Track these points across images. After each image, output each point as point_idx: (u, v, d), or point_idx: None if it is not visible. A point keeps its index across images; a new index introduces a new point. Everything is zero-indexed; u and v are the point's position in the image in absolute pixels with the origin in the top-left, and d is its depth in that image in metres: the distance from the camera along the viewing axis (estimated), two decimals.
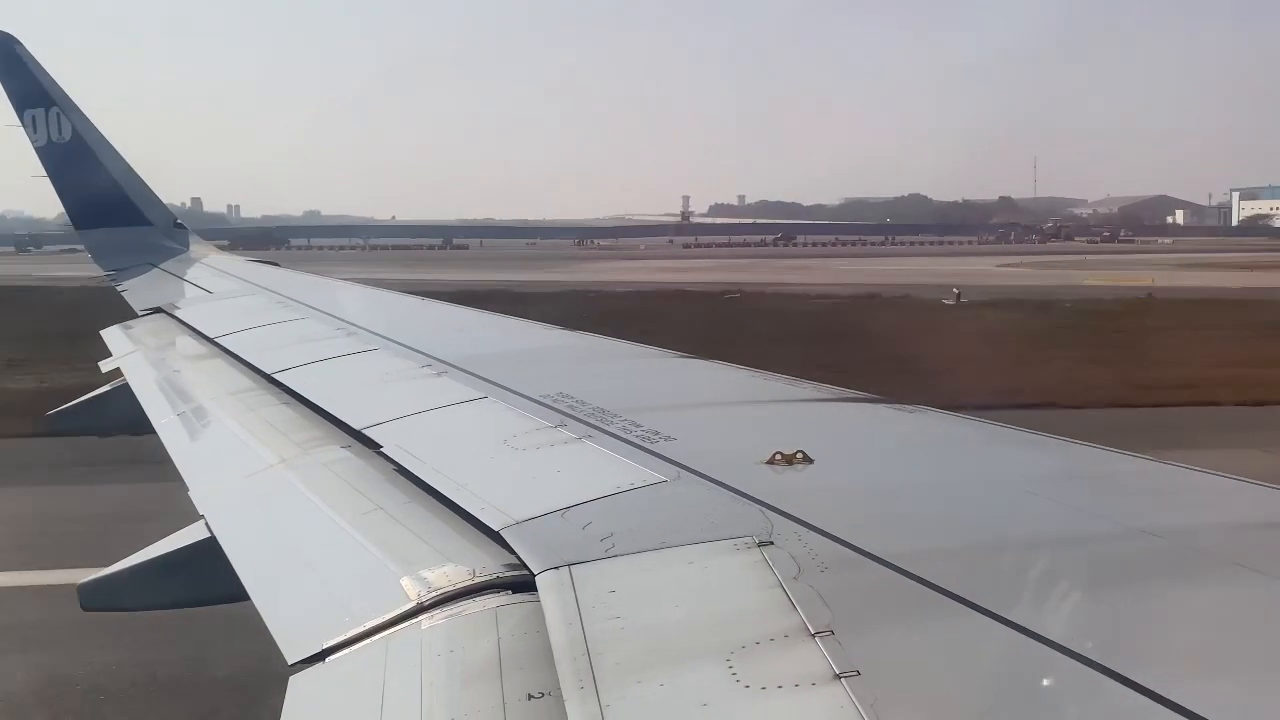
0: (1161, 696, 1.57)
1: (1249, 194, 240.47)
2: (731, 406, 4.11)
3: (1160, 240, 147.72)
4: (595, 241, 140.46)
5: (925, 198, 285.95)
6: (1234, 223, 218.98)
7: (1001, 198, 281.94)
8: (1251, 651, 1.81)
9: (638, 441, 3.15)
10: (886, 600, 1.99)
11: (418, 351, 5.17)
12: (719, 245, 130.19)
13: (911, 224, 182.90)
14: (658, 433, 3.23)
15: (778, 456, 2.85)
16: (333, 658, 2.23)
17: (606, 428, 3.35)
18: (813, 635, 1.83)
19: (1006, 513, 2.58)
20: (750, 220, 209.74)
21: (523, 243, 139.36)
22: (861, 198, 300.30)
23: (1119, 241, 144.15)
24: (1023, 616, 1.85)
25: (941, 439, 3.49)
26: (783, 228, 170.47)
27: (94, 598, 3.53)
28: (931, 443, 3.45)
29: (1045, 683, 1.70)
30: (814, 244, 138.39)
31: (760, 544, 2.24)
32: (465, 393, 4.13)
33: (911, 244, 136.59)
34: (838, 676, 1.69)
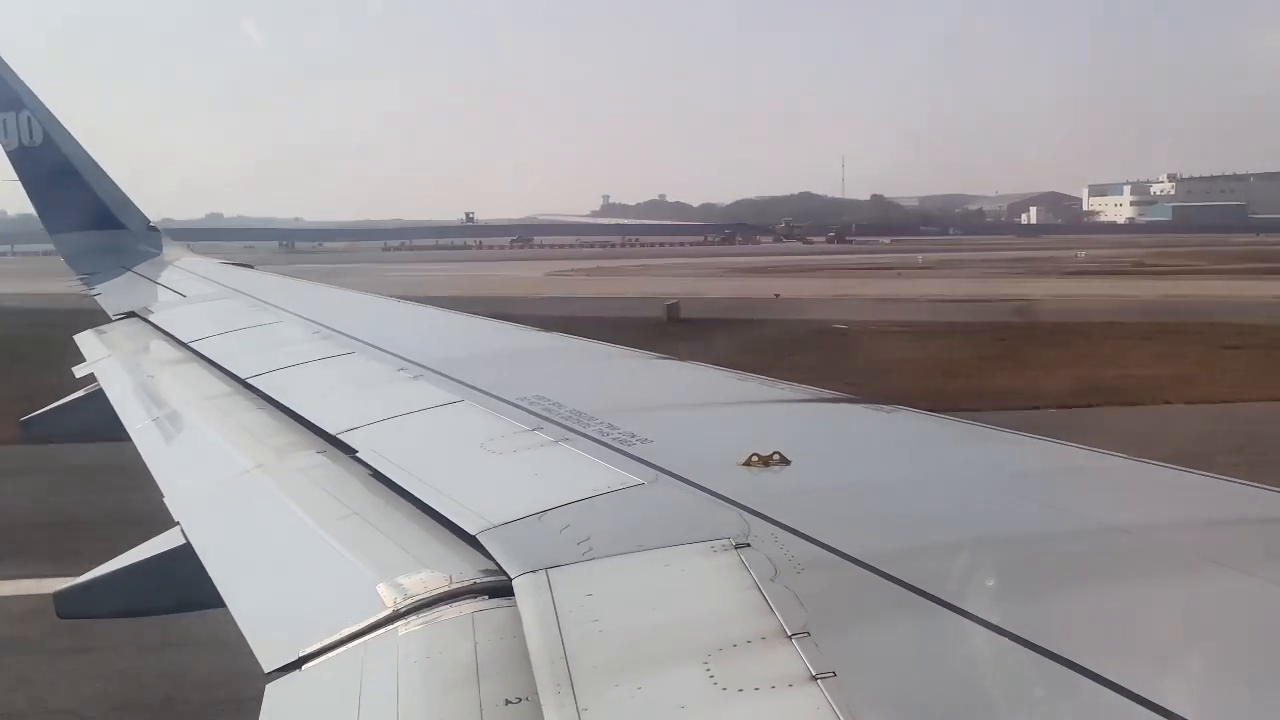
0: (1135, 694, 1.58)
1: (1098, 190, 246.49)
2: (708, 408, 4.11)
3: (881, 241, 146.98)
4: (319, 245, 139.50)
5: (814, 195, 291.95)
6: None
7: (874, 196, 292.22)
8: (1224, 647, 1.83)
9: (615, 444, 3.15)
10: (863, 601, 1.99)
11: (394, 355, 5.15)
12: (428, 248, 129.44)
13: (727, 224, 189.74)
14: (634, 435, 3.23)
15: (754, 458, 2.86)
16: (309, 665, 2.22)
17: (584, 430, 3.35)
18: (789, 637, 1.83)
19: (983, 512, 2.59)
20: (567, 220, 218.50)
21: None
22: (752, 197, 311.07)
23: (842, 242, 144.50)
24: (999, 616, 1.86)
25: (918, 439, 3.51)
26: (629, 229, 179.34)
27: (70, 605, 3.50)
28: (908, 443, 3.46)
29: (1020, 681, 1.71)
30: (558, 246, 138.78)
31: (737, 546, 2.24)
32: (441, 396, 4.11)
33: (644, 245, 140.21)
34: (814, 678, 1.70)
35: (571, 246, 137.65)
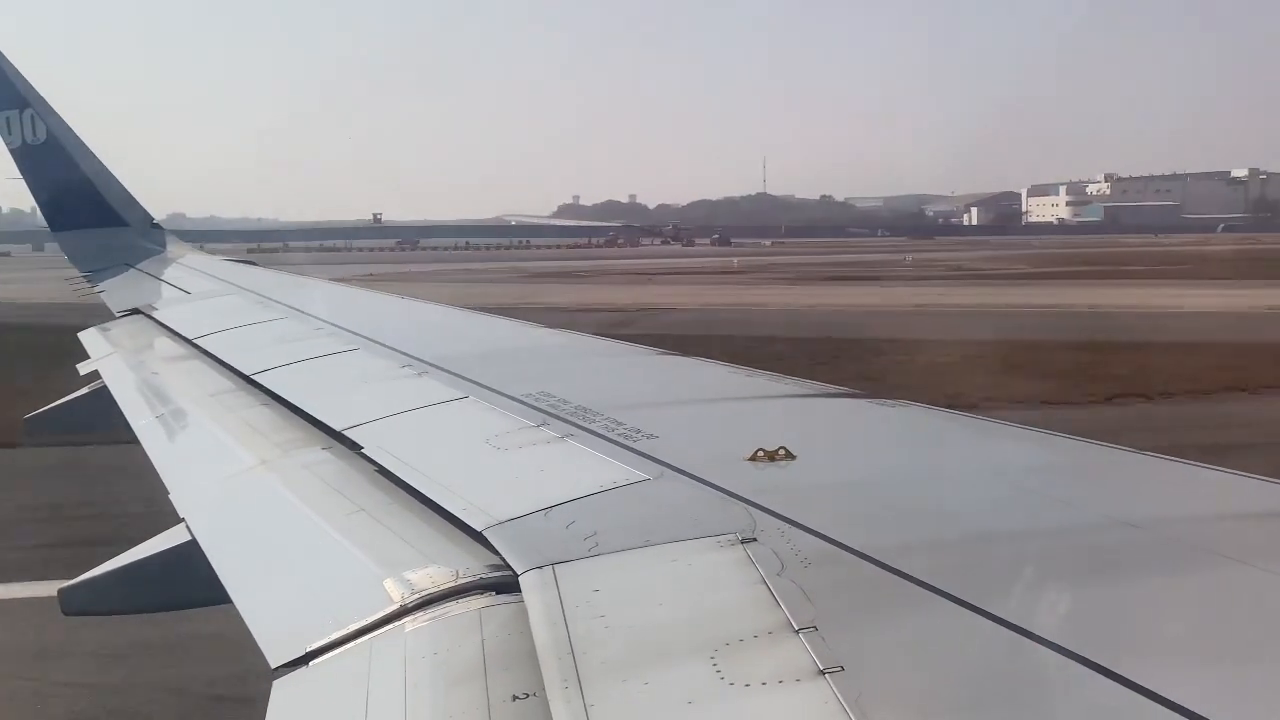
0: (1144, 688, 1.58)
1: (1038, 190, 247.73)
2: (713, 403, 4.11)
3: (762, 243, 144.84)
4: (200, 246, 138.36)
5: (769, 195, 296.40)
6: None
7: (822, 196, 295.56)
8: (1234, 642, 1.82)
9: (620, 440, 3.15)
10: (870, 596, 1.99)
11: (398, 351, 5.15)
12: (298, 249, 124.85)
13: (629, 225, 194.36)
14: (640, 430, 3.23)
15: (760, 453, 2.85)
16: (316, 661, 2.22)
17: (588, 426, 3.34)
18: (796, 631, 1.83)
19: (989, 506, 2.59)
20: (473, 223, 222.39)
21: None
22: (711, 198, 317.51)
23: (724, 245, 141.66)
24: (1006, 610, 1.85)
25: (924, 433, 3.50)
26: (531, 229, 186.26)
27: (75, 602, 3.50)
28: (914, 437, 3.46)
29: (1029, 677, 1.71)
30: (444, 249, 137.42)
31: (743, 541, 2.24)
32: (446, 392, 4.12)
33: (535, 248, 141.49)
34: (822, 672, 1.70)
35: (459, 249, 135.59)
